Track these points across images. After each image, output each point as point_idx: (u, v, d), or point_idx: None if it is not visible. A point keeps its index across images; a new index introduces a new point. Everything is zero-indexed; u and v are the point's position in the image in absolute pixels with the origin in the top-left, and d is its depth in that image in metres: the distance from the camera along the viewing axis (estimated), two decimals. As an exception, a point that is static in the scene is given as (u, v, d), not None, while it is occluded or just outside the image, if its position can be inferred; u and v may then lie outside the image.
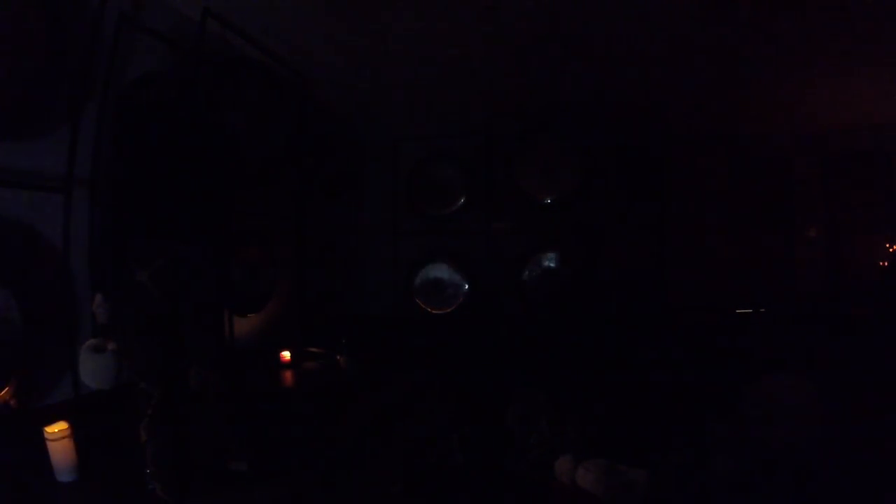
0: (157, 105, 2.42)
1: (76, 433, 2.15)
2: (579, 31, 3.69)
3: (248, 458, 2.20)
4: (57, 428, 2.10)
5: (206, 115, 2.11)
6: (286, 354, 4.11)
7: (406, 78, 4.60)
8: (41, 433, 2.10)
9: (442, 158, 5.78)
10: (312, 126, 4.84)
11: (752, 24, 3.55)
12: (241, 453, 2.20)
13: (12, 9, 2.20)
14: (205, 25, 3.20)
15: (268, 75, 3.96)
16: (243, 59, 3.76)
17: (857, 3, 3.22)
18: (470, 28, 3.64)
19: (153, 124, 2.07)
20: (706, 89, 4.90)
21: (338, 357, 4.12)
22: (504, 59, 4.20)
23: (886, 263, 5.84)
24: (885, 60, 4.07)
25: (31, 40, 2.26)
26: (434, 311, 5.68)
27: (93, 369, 1.95)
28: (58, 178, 2.45)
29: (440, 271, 5.70)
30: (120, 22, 2.69)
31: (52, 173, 2.44)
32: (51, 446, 2.09)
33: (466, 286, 5.62)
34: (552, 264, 5.55)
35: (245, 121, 3.67)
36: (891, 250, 5.82)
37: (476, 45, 3.92)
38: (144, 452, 1.90)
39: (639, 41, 3.84)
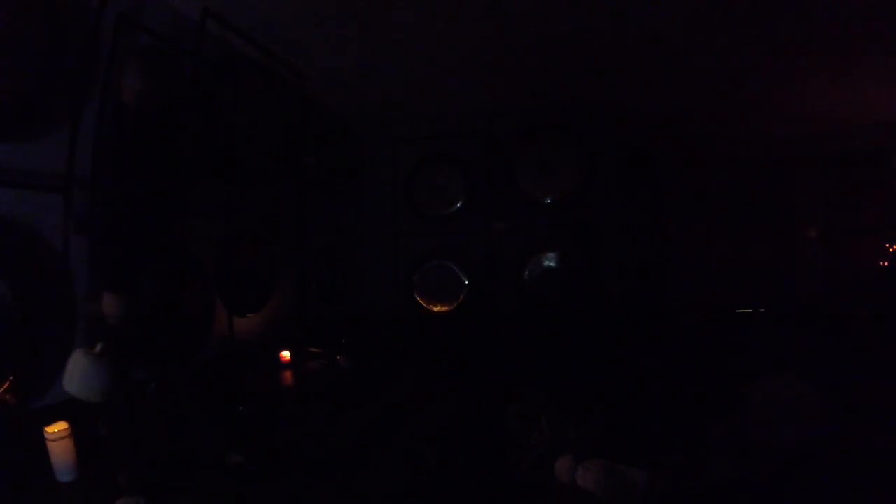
0: (157, 105, 2.42)
1: (76, 433, 2.15)
2: (579, 31, 3.69)
3: (243, 455, 2.19)
4: (57, 428, 2.09)
5: (205, 114, 2.10)
6: (286, 354, 4.12)
7: (406, 78, 4.60)
8: (41, 433, 2.10)
9: (442, 159, 5.78)
10: (312, 126, 4.84)
11: (751, 25, 3.55)
12: (238, 451, 2.20)
13: (12, 9, 2.20)
14: (204, 25, 3.20)
15: (267, 75, 3.96)
16: (243, 58, 3.76)
17: (856, 3, 3.22)
18: (470, 28, 3.64)
19: (153, 124, 2.07)
20: (706, 90, 4.90)
21: (338, 357, 4.13)
22: (504, 59, 4.20)
23: (886, 263, 5.84)
24: (883, 60, 4.07)
25: (31, 40, 2.26)
26: (434, 307, 5.67)
27: (86, 377, 1.84)
28: (58, 178, 2.45)
29: (442, 264, 5.72)
30: (120, 22, 2.69)
31: (52, 173, 2.44)
32: (51, 446, 2.09)
33: (467, 282, 5.63)
34: (552, 264, 5.55)
35: (244, 120, 3.67)
36: (891, 250, 5.82)
37: (476, 45, 3.92)
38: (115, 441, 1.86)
39: (638, 41, 3.84)
